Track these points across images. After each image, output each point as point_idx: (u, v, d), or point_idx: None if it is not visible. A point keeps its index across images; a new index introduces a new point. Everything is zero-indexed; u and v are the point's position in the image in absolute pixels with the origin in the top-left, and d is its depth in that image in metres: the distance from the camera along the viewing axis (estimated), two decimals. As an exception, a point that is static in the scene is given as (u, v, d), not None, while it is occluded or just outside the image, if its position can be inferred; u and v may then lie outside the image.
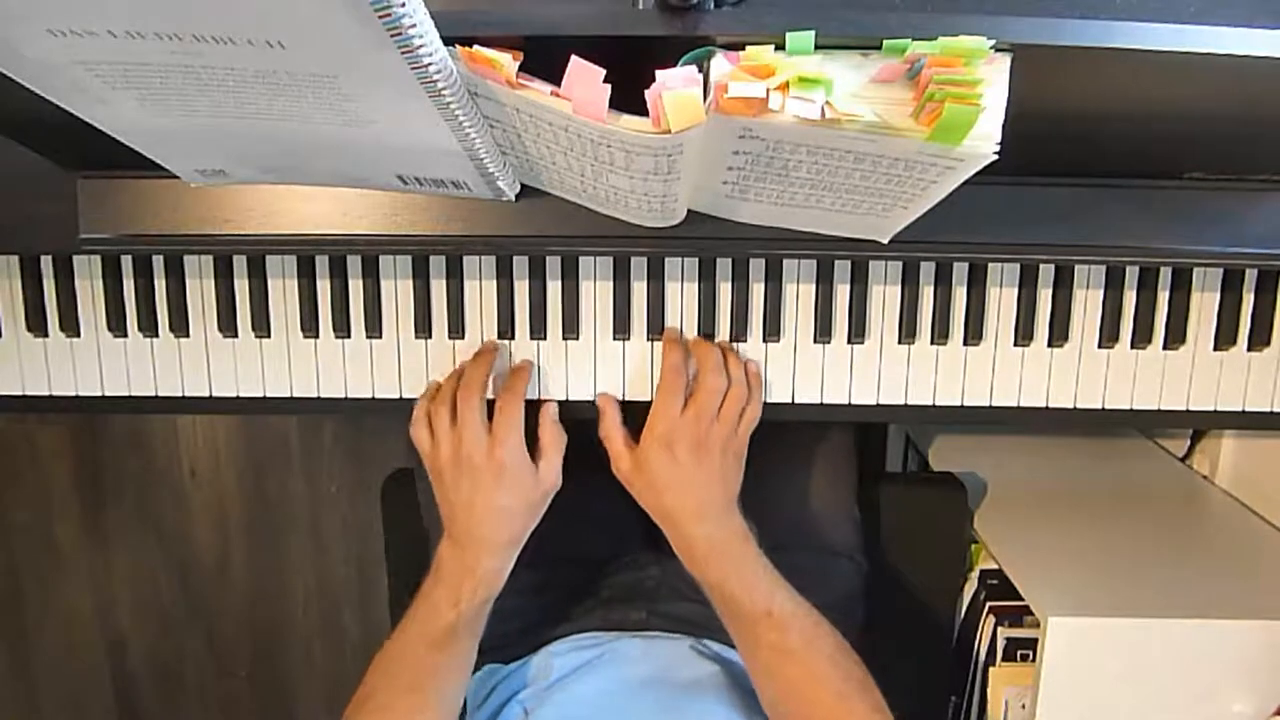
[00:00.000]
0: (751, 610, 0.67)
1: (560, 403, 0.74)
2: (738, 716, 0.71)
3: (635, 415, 0.72)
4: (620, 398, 0.75)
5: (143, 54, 0.43)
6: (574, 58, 0.44)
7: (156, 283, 0.75)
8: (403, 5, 0.38)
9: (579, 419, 0.74)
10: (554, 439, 0.71)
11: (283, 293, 0.75)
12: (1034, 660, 0.85)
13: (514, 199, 0.63)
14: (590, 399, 0.75)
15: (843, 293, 0.73)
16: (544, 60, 0.46)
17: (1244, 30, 0.46)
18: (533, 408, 0.71)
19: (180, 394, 0.76)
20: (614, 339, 0.74)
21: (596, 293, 0.74)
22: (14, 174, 0.65)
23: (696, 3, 0.45)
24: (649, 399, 0.74)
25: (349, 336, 0.75)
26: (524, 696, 0.76)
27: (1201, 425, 1.07)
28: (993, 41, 0.44)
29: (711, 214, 0.63)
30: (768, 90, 0.43)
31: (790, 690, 0.66)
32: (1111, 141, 0.59)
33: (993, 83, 0.44)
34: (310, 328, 0.75)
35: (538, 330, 0.74)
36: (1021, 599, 0.86)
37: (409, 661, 0.68)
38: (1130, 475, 1.14)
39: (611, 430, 0.71)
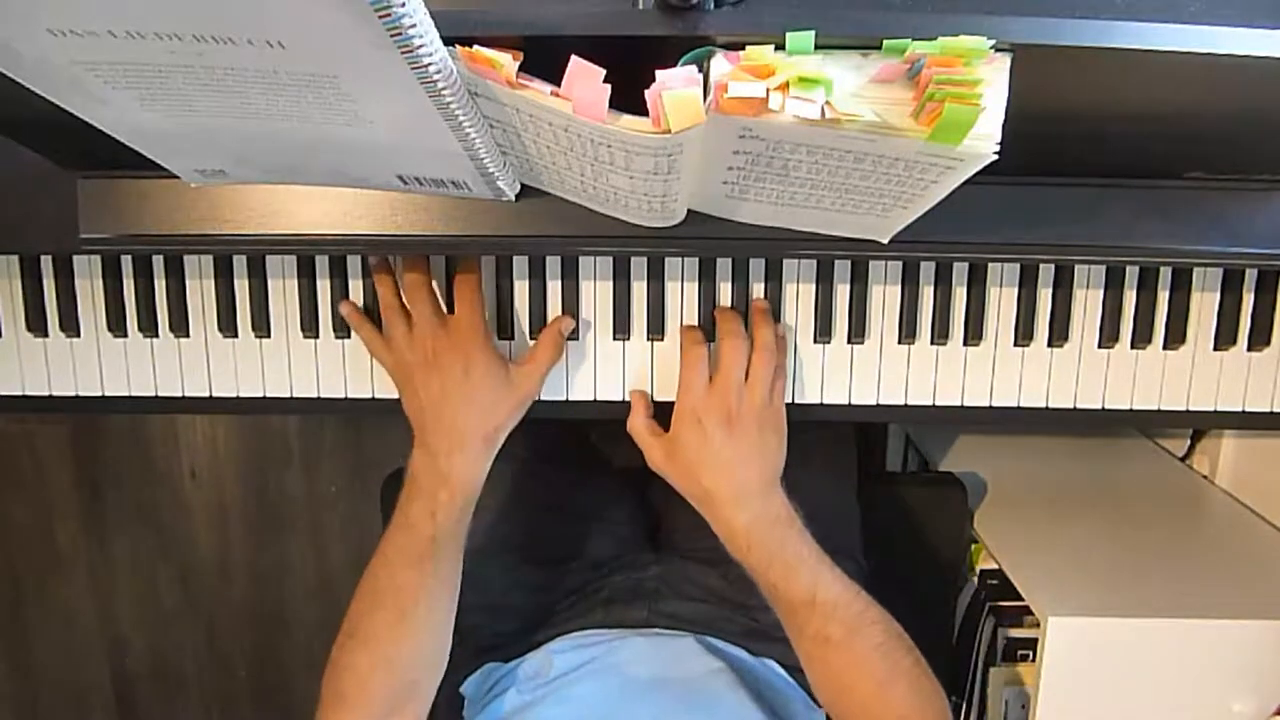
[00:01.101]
0: (794, 598, 0.65)
1: (560, 402, 0.74)
2: (743, 712, 0.71)
3: (661, 415, 0.71)
4: (620, 398, 0.74)
5: (143, 54, 0.43)
6: (574, 58, 0.44)
7: (156, 283, 0.75)
8: (403, 5, 0.38)
9: (579, 419, 0.74)
10: (548, 350, 0.69)
11: (283, 293, 0.75)
12: (1034, 660, 0.85)
13: (514, 199, 0.63)
14: (590, 399, 0.75)
15: (843, 293, 0.73)
16: (544, 60, 0.45)
17: (1244, 30, 0.46)
18: (537, 413, 0.71)
19: (180, 394, 0.76)
20: (614, 339, 0.74)
21: (596, 293, 0.74)
22: (14, 174, 0.65)
23: (696, 3, 0.45)
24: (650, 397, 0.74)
25: (349, 337, 0.75)
26: (522, 695, 0.76)
27: (1201, 425, 1.07)
28: (993, 41, 0.44)
29: (711, 214, 0.63)
30: (768, 90, 0.43)
31: (832, 677, 0.65)
32: (1111, 141, 0.59)
33: (993, 83, 0.44)
34: (310, 328, 0.75)
35: (538, 330, 0.74)
36: (1021, 599, 0.86)
37: (392, 583, 0.66)
38: (1130, 475, 1.14)
39: (638, 423, 0.70)
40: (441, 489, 0.66)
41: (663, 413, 0.72)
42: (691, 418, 0.67)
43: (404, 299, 0.67)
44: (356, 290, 0.74)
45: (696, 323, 0.74)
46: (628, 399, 0.74)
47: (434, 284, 0.67)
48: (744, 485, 0.66)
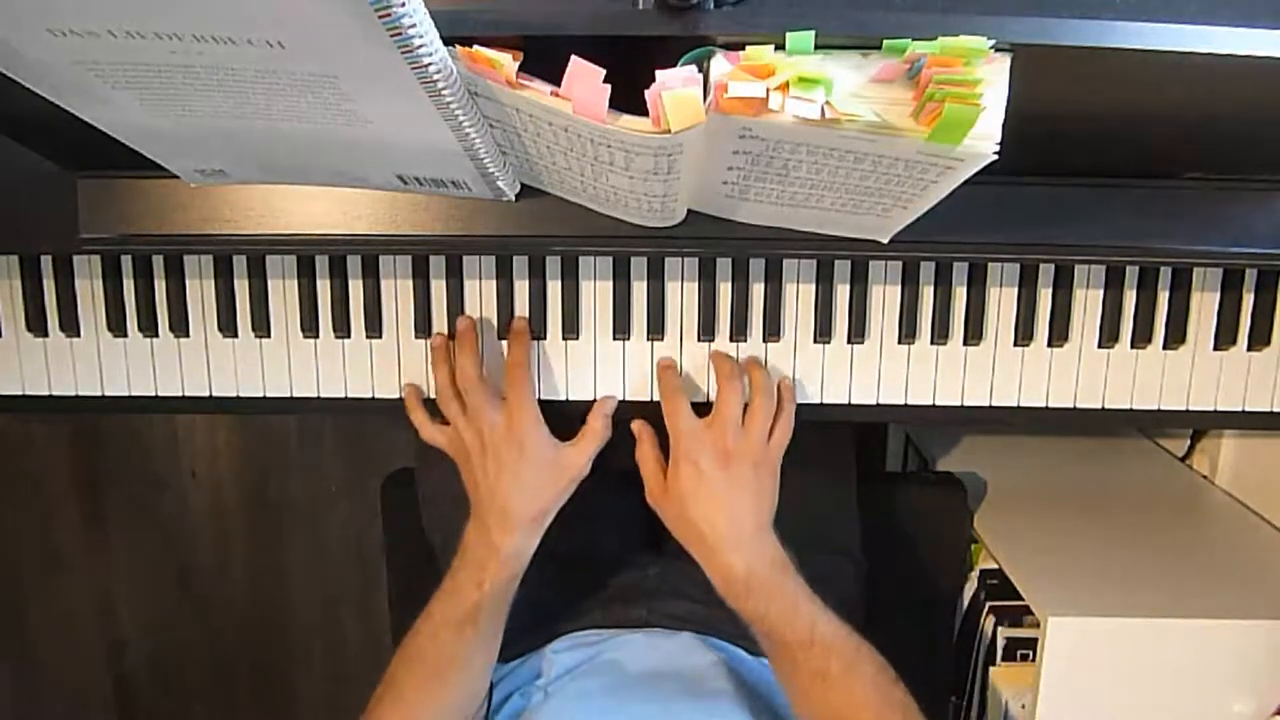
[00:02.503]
0: (791, 639, 0.66)
1: (560, 402, 0.74)
2: (742, 707, 0.71)
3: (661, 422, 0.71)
4: (621, 397, 0.75)
5: (143, 54, 0.43)
6: (574, 58, 0.44)
7: (156, 283, 0.75)
8: (403, 5, 0.38)
9: (578, 418, 0.74)
10: (596, 430, 0.71)
11: (283, 293, 0.75)
12: (1034, 660, 0.85)
13: (514, 199, 0.63)
14: (590, 399, 0.75)
15: (843, 293, 0.73)
16: (544, 60, 0.46)
17: (1244, 30, 0.46)
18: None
19: (180, 394, 0.76)
20: (614, 339, 0.74)
21: (596, 293, 0.74)
22: (14, 174, 0.65)
23: (696, 3, 0.45)
24: (649, 399, 0.74)
25: (349, 336, 0.75)
26: (523, 694, 0.76)
27: (1201, 425, 1.07)
28: (993, 41, 0.44)
29: (711, 214, 0.63)
30: (768, 90, 0.43)
31: (829, 714, 0.65)
32: (1111, 141, 0.59)
33: (993, 83, 0.44)
34: (310, 328, 0.75)
35: (537, 330, 0.74)
36: (1021, 599, 0.86)
37: (432, 647, 0.69)
38: (1130, 475, 1.14)
39: (646, 456, 0.71)
40: (491, 561, 0.68)
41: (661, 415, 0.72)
42: (688, 461, 0.68)
43: (458, 386, 0.70)
44: (356, 290, 0.74)
45: (696, 324, 0.74)
46: (628, 399, 0.74)
47: (484, 370, 0.71)
48: (739, 527, 0.67)
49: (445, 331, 0.74)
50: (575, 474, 0.71)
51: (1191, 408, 0.75)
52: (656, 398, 0.74)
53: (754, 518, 0.68)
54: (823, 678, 0.65)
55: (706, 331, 0.73)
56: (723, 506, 0.67)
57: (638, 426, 0.73)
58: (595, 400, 0.74)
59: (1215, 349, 0.74)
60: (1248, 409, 0.75)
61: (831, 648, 0.65)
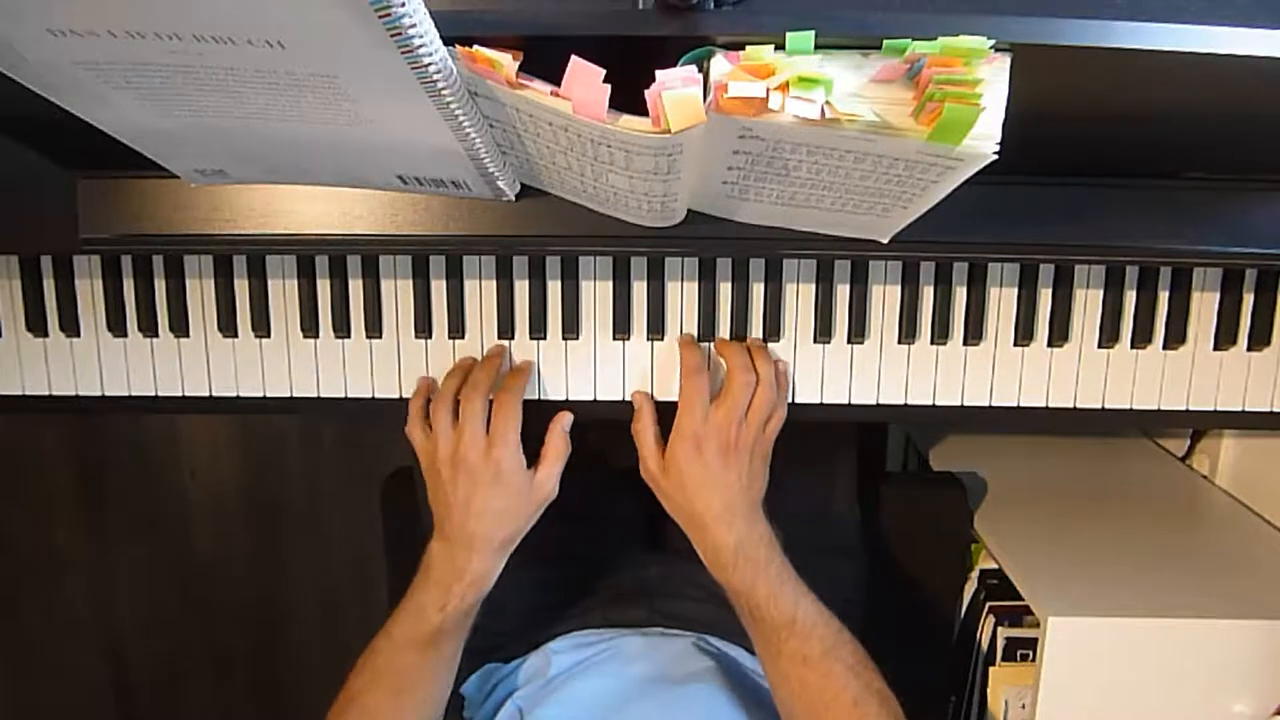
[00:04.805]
0: (776, 618, 0.67)
1: (560, 402, 0.74)
2: (740, 710, 0.71)
3: (665, 415, 0.71)
4: (621, 397, 0.75)
5: (143, 54, 0.43)
6: (574, 58, 0.44)
7: (156, 283, 0.75)
8: (403, 5, 0.38)
9: (579, 418, 0.74)
10: (558, 449, 0.71)
11: (283, 293, 0.75)
12: (1034, 660, 0.85)
13: (514, 199, 0.63)
14: (590, 399, 0.75)
15: (843, 293, 0.73)
16: (544, 60, 0.46)
17: (1244, 30, 0.46)
18: (537, 413, 0.72)
19: (180, 394, 0.76)
20: (614, 339, 0.74)
21: (596, 293, 0.74)
22: (14, 174, 0.65)
23: (696, 3, 0.45)
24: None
25: (349, 336, 0.75)
26: (521, 695, 0.76)
27: (1201, 425, 1.07)
28: (993, 41, 0.44)
29: (711, 214, 0.63)
30: (768, 90, 0.43)
31: (807, 698, 0.66)
32: (1111, 141, 0.59)
33: (993, 83, 0.44)
34: (310, 328, 0.75)
35: (538, 330, 0.74)
36: (1021, 599, 0.86)
37: (393, 663, 0.69)
38: (1130, 475, 1.14)
39: (645, 430, 0.71)
40: (455, 583, 0.68)
41: (664, 413, 0.72)
42: (691, 444, 0.68)
43: (461, 394, 0.69)
44: (356, 290, 0.74)
45: (696, 324, 0.74)
46: (628, 399, 0.74)
47: (488, 394, 0.70)
48: (733, 508, 0.68)
49: (446, 331, 0.74)
50: (544, 497, 0.70)
51: (1191, 408, 0.75)
52: (657, 398, 0.74)
53: (747, 498, 0.69)
54: (803, 660, 0.66)
55: (707, 332, 0.74)
56: (719, 489, 0.68)
57: (638, 398, 0.72)
58: (594, 404, 0.74)
59: (1215, 349, 0.74)
60: (1248, 409, 0.75)
61: (813, 630, 0.66)
